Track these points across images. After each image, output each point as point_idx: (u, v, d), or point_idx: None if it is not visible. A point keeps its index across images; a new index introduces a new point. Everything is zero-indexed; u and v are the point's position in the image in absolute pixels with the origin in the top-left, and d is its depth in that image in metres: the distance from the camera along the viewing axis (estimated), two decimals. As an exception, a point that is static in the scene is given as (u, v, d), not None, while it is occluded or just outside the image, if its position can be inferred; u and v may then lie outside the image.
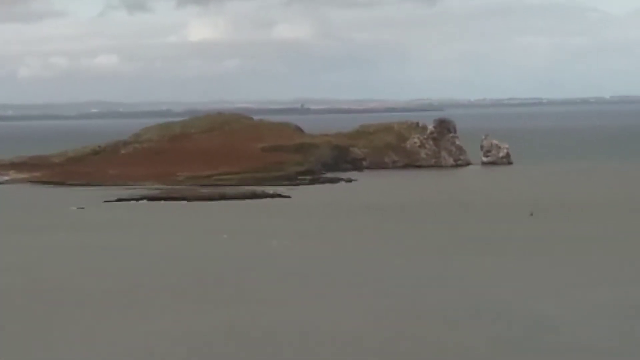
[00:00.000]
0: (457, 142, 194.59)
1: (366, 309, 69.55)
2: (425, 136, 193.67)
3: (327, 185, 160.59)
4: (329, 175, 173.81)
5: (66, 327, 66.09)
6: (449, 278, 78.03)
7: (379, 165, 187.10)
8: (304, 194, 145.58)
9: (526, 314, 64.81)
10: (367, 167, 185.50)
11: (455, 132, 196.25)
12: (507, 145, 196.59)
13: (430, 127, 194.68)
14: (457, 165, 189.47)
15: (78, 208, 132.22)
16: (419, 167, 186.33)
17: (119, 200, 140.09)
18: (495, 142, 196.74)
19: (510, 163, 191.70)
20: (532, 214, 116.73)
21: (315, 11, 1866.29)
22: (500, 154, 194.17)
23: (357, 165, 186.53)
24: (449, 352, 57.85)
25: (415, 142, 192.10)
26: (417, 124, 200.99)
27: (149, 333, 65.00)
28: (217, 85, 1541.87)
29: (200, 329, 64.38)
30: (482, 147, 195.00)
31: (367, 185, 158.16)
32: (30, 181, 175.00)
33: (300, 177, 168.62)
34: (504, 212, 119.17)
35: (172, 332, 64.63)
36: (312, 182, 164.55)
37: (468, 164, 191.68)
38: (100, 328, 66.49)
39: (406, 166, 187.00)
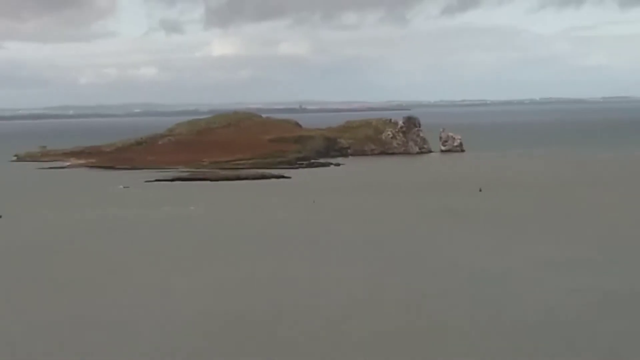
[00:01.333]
0: (421, 135, 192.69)
1: (349, 257, 69.16)
2: (396, 130, 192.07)
3: (320, 169, 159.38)
4: (321, 160, 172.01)
5: (141, 275, 65.28)
6: (414, 239, 77.72)
7: (360, 152, 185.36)
8: (301, 175, 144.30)
9: (475, 269, 63.55)
10: (351, 154, 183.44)
11: (419, 126, 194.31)
12: (459, 137, 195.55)
13: (400, 123, 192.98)
14: (421, 153, 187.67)
15: (124, 187, 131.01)
16: (392, 154, 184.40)
17: (157, 180, 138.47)
18: (450, 134, 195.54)
19: (462, 150, 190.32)
20: (480, 190, 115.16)
21: (312, 32, 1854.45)
22: (455, 144, 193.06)
23: (343, 152, 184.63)
24: (411, 295, 57.12)
25: (388, 135, 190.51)
26: (390, 120, 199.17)
27: (206, 278, 64.58)
28: (233, 90, 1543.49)
29: (237, 276, 64.02)
30: (440, 138, 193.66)
31: (351, 168, 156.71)
32: (87, 166, 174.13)
33: (298, 162, 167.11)
34: (459, 188, 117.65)
35: (210, 278, 64.26)
36: (308, 166, 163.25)
37: (430, 151, 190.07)
38: (173, 271, 66.14)
39: (381, 153, 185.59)
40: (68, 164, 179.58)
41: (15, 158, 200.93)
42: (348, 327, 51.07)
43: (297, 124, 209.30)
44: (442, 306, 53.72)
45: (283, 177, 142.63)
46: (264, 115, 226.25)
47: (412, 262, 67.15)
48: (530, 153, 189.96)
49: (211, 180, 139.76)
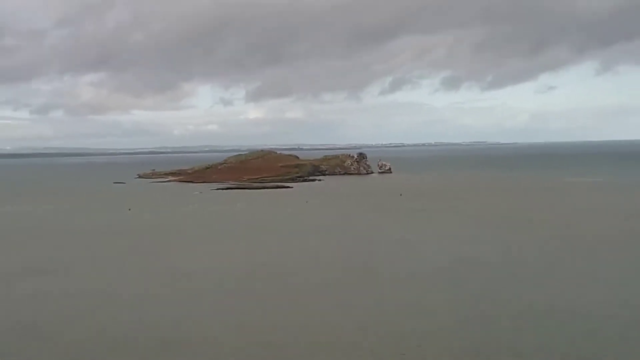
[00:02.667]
0: (367, 163, 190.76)
1: (327, 233, 66.72)
2: (353, 160, 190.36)
3: (310, 183, 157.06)
4: (310, 178, 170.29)
5: (212, 242, 63.01)
6: (362, 222, 76.90)
7: (332, 173, 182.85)
8: (299, 186, 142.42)
9: (395, 238, 62.11)
10: (328, 175, 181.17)
11: (366, 158, 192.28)
12: (389, 164, 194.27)
13: (355, 156, 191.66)
14: (367, 174, 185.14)
15: (199, 192, 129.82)
16: (351, 174, 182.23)
17: (218, 189, 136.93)
18: (384, 162, 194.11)
19: (391, 172, 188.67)
20: (401, 195, 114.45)
21: (306, 104, 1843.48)
22: (387, 168, 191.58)
23: (323, 173, 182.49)
24: (358, 251, 55.51)
25: (349, 163, 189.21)
26: (349, 155, 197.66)
27: (250, 243, 60.92)
28: (260, 137, 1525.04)
29: (267, 241, 61.70)
30: (378, 165, 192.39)
31: (327, 183, 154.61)
32: (178, 181, 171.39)
33: (297, 178, 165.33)
34: (388, 194, 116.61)
35: (252, 243, 61.07)
36: (303, 181, 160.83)
37: (372, 172, 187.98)
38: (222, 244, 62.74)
39: (345, 174, 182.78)
40: (167, 179, 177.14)
41: (137, 176, 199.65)
42: (320, 267, 48.73)
43: (297, 157, 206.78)
44: (376, 256, 52.76)
45: (289, 187, 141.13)
46: (277, 152, 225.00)
47: (361, 234, 66.37)
48: (432, 173, 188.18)
49: (248, 189, 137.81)
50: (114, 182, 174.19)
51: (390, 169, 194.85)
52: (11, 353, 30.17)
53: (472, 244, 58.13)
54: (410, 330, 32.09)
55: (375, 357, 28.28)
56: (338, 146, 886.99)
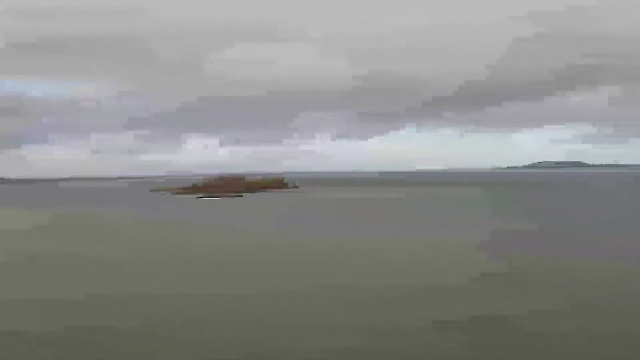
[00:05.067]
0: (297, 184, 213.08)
1: (294, 219, 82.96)
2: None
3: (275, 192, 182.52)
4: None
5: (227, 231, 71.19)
6: (307, 212, 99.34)
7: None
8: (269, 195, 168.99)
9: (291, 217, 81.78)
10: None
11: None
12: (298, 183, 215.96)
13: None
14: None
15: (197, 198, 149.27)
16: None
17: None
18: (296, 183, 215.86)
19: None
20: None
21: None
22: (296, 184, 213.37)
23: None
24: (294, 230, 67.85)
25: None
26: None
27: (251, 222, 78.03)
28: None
29: (264, 224, 74.85)
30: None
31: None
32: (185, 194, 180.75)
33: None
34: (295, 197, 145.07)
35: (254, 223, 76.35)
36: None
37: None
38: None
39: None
40: (195, 194, 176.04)
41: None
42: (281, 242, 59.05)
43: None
44: (294, 230, 66.65)
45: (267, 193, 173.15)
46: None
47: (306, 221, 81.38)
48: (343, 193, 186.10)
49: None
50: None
51: (297, 186, 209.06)
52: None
53: (366, 231, 67.40)
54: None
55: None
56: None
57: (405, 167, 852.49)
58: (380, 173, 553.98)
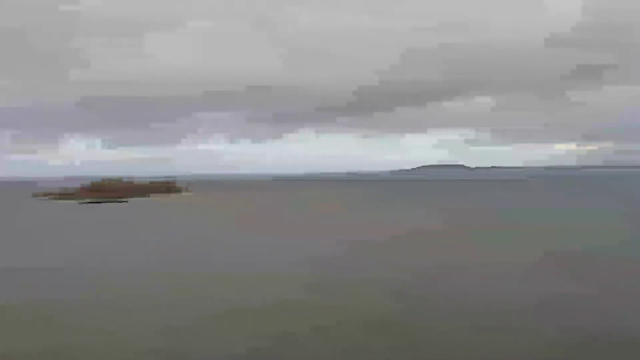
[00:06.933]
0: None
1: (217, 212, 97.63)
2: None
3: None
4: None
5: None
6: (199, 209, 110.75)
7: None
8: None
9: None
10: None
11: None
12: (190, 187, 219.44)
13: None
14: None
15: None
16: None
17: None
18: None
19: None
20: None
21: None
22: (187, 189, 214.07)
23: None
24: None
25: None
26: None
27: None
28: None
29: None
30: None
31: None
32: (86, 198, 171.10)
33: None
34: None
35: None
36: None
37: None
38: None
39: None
40: (75, 198, 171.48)
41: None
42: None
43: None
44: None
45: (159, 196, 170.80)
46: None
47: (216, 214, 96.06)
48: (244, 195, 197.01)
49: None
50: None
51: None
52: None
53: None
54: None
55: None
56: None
57: (301, 169, 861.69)
58: (274, 177, 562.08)
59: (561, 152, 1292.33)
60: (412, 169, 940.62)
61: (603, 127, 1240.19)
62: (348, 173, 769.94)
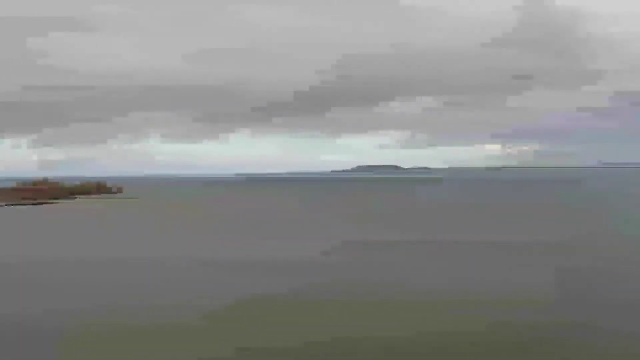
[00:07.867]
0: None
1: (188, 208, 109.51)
2: None
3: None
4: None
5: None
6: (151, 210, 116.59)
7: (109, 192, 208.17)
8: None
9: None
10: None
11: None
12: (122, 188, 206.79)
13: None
14: None
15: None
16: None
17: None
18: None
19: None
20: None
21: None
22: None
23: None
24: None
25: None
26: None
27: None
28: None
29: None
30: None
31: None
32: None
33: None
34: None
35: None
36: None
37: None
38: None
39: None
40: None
41: None
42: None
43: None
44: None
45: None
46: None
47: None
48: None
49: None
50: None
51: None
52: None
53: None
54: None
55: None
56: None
57: (237, 170, 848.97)
58: (209, 178, 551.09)
59: (494, 152, 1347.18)
60: (351, 169, 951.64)
61: (526, 128, 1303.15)
62: (288, 173, 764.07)
